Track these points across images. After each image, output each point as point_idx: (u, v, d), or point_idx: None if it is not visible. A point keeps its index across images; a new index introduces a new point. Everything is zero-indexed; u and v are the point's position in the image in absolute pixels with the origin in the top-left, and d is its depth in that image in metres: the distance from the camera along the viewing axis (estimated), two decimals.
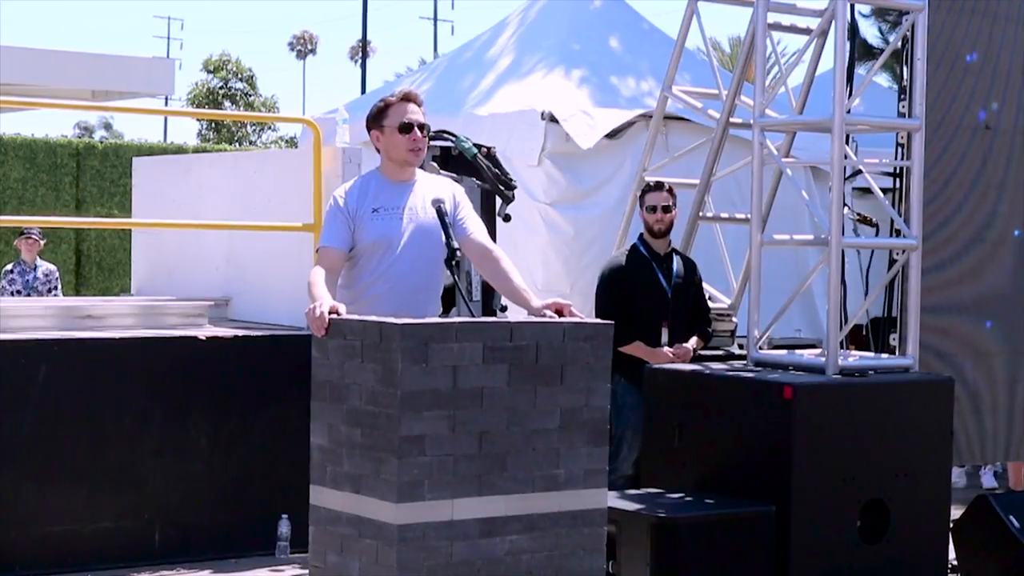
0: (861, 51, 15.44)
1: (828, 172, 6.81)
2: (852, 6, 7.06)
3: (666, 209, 7.36)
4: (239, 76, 42.18)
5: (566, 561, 4.77)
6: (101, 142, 21.35)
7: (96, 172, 19.60)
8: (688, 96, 8.37)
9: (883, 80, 15.86)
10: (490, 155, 7.34)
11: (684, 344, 7.30)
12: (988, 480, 10.03)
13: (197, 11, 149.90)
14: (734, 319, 8.24)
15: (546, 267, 9.37)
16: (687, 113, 8.97)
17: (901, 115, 6.87)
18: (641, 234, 7.46)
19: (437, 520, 4.53)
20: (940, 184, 7.14)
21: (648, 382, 6.66)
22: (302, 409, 5.07)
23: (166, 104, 32.15)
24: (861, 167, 7.27)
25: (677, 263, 7.42)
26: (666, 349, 7.24)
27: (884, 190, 7.27)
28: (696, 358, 7.37)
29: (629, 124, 9.59)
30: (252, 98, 41.82)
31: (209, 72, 42.17)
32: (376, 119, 5.33)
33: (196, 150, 23.16)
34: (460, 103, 10.19)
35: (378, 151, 5.38)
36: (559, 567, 4.76)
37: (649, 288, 7.29)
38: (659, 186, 7.46)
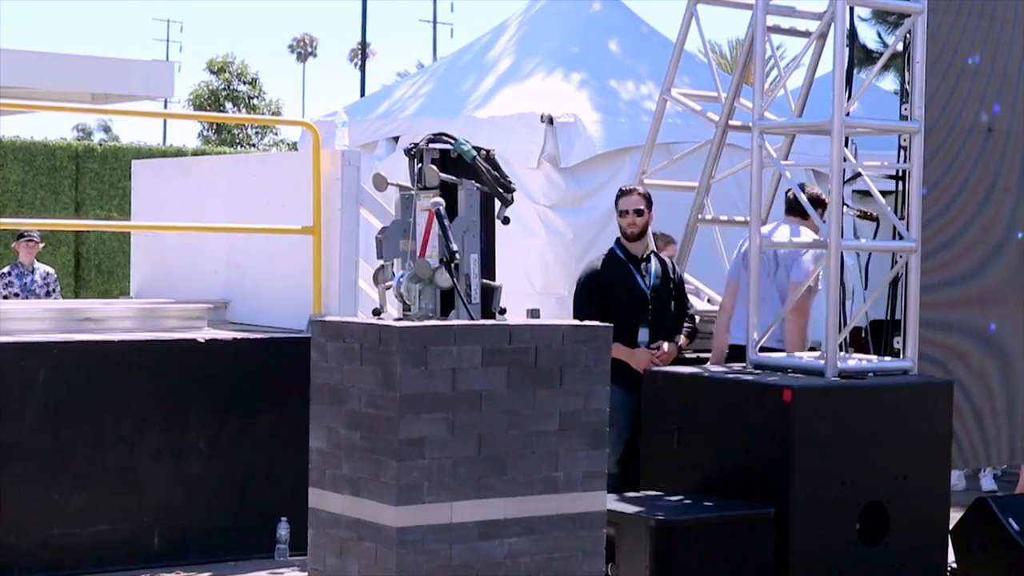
0: (860, 55, 15.47)
1: (828, 175, 6.81)
2: (851, 9, 7.05)
3: (638, 212, 7.33)
4: (242, 79, 42.04)
5: (565, 564, 4.77)
6: (100, 145, 21.36)
7: (95, 175, 19.60)
8: (687, 99, 8.36)
9: (886, 83, 15.89)
10: (489, 158, 7.31)
11: (663, 343, 7.21)
12: (988, 483, 10.00)
13: (197, 14, 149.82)
14: None
15: (544, 270, 9.35)
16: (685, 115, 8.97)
17: (904, 118, 6.86)
18: (618, 238, 7.45)
19: (436, 523, 4.53)
20: (943, 186, 7.14)
21: (647, 385, 6.65)
22: (301, 412, 5.07)
23: (165, 107, 32.15)
24: (860, 170, 7.27)
25: (655, 265, 7.41)
26: (643, 350, 7.20)
27: (884, 192, 7.26)
28: (694, 360, 7.35)
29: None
30: (256, 101, 41.70)
31: (212, 73, 42.03)
32: None
33: (195, 153, 23.15)
34: (459, 106, 10.19)
35: None
36: (558, 570, 4.75)
37: (628, 290, 7.27)
38: (630, 191, 7.46)
